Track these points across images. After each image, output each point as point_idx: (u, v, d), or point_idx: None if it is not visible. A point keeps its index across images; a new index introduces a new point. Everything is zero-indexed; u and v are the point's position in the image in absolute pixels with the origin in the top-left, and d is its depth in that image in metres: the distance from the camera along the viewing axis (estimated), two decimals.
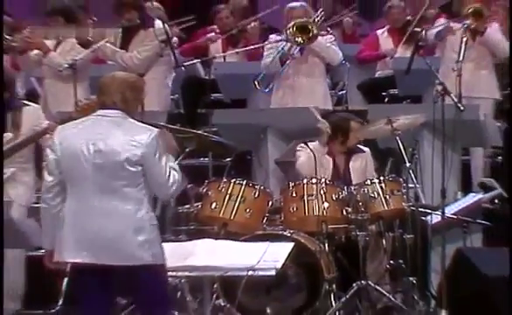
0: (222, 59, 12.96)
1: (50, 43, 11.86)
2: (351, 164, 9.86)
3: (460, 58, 10.53)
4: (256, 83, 11.46)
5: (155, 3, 12.55)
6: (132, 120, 7.24)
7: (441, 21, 11.84)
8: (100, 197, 7.15)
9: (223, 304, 8.57)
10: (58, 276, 9.08)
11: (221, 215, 9.12)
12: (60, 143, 7.22)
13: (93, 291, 7.30)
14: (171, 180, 7.27)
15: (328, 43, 11.63)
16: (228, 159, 11.22)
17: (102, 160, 7.10)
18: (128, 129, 7.18)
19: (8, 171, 9.56)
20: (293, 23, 11.45)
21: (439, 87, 9.38)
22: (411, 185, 9.45)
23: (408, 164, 9.55)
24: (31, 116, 9.73)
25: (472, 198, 9.96)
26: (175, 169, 7.29)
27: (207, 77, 12.55)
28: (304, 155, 9.81)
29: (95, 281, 7.25)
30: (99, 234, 7.12)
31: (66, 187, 7.26)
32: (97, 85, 7.45)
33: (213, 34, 13.33)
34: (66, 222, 7.21)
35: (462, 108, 9.71)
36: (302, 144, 9.90)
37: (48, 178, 7.27)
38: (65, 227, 7.20)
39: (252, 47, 12.72)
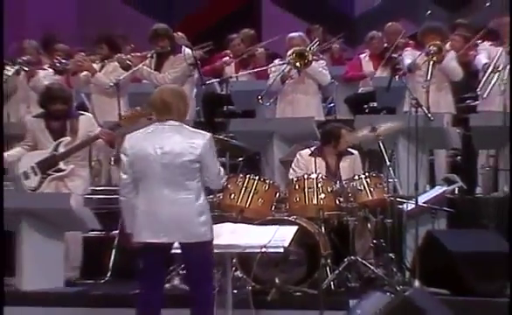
0: (235, 79, 12.92)
1: (96, 66, 11.85)
2: (341, 164, 9.83)
3: (428, 77, 10.59)
4: (259, 98, 11.49)
5: (179, 33, 12.66)
6: (186, 126, 7.45)
7: (409, 49, 11.80)
8: (167, 189, 7.31)
9: (240, 275, 8.56)
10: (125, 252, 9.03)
11: (238, 204, 9.12)
12: (131, 148, 7.38)
13: (158, 264, 7.52)
14: (221, 174, 7.54)
15: (320, 67, 11.74)
16: (240, 159, 11.20)
17: (168, 160, 7.28)
18: (186, 134, 7.37)
19: (68, 168, 9.63)
20: (292, 50, 11.58)
21: (413, 102, 9.43)
22: (390, 180, 9.49)
23: (388, 163, 9.55)
24: (86, 124, 9.80)
25: (438, 190, 10.02)
26: (221, 165, 7.55)
27: (223, 92, 12.65)
28: (301, 159, 9.89)
29: (160, 256, 7.46)
30: (169, 218, 7.30)
31: (138, 183, 7.38)
32: (153, 99, 7.52)
33: (228, 58, 13.36)
34: (141, 210, 7.37)
35: (432, 117, 9.89)
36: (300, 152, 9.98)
37: (124, 176, 7.43)
38: (141, 214, 7.37)
39: (259, 69, 12.80)
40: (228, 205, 8.89)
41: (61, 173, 9.62)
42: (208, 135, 7.49)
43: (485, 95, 10.82)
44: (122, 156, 7.47)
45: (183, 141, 7.35)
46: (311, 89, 11.76)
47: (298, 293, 8.73)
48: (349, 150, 9.96)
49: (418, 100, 9.61)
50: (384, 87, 11.78)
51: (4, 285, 8.99)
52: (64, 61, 12.18)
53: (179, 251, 7.50)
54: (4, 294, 8.47)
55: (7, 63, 12.72)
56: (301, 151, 10.03)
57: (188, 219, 7.32)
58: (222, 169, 7.60)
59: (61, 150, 9.64)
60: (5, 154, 9.66)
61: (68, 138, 9.67)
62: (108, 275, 9.54)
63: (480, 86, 10.92)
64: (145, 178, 7.37)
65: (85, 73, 11.86)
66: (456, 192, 10.43)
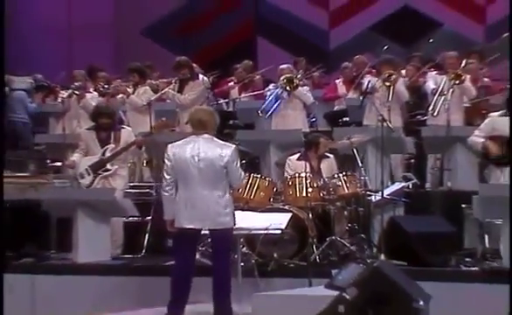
0: (239, 99, 12.98)
1: (130, 90, 11.83)
2: (322, 165, 9.81)
3: (390, 98, 10.64)
4: (259, 113, 11.60)
5: (194, 65, 12.64)
6: (216, 139, 7.55)
7: (369, 76, 11.71)
8: (201, 187, 7.43)
9: (247, 251, 8.58)
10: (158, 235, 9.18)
11: (244, 196, 9.10)
12: (173, 155, 7.49)
13: (191, 244, 7.63)
14: (242, 176, 7.68)
15: (304, 91, 11.80)
16: (244, 161, 11.20)
17: (202, 165, 7.40)
18: (216, 145, 7.50)
19: (113, 168, 9.65)
20: (284, 77, 11.65)
21: (379, 117, 9.49)
22: (361, 178, 9.52)
23: (360, 164, 9.65)
24: (126, 134, 9.84)
25: (398, 185, 10.04)
26: (241, 168, 7.64)
27: (230, 110, 12.70)
28: (290, 164, 9.86)
29: (192, 242, 7.60)
30: (202, 210, 7.41)
31: (178, 182, 7.48)
32: (192, 117, 7.67)
33: (232, 83, 13.37)
34: (181, 203, 7.48)
35: (393, 130, 9.87)
36: (290, 158, 9.96)
37: (167, 176, 7.53)
38: (181, 207, 7.48)
39: (257, 92, 12.83)
40: (237, 197, 8.82)
41: (108, 173, 9.64)
42: (233, 146, 7.62)
43: (435, 114, 10.81)
44: (166, 161, 7.56)
45: (214, 151, 7.46)
46: (298, 107, 11.77)
47: (291, 265, 8.74)
48: (327, 154, 9.93)
49: (384, 116, 9.61)
50: (354, 106, 11.77)
51: (64, 259, 9.33)
52: (105, 86, 12.21)
53: (207, 232, 7.62)
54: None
55: (62, 88, 12.89)
56: (291, 157, 10.00)
57: (216, 211, 7.44)
58: (242, 172, 7.72)
59: (107, 154, 9.66)
60: (72, 159, 9.80)
61: (112, 145, 9.69)
62: (143, 251, 9.50)
63: (431, 106, 10.90)
64: (184, 178, 7.48)
65: (121, 95, 11.87)
66: (411, 187, 10.46)
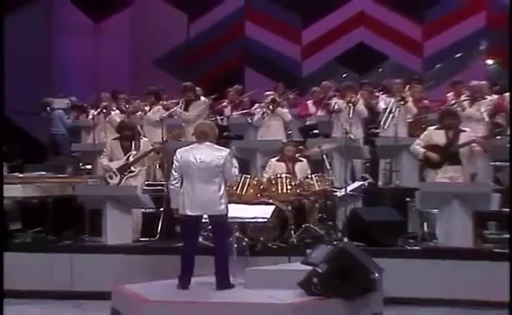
0: (231, 116, 12.86)
1: (147, 108, 11.76)
2: (296, 167, 9.76)
3: (351, 115, 10.52)
4: (249, 122, 11.63)
5: (197, 88, 12.59)
6: (215, 145, 7.48)
7: (335, 98, 11.61)
8: (201, 183, 7.36)
9: (240, 235, 8.55)
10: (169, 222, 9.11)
11: (237, 192, 9.02)
12: (181, 157, 7.43)
13: (194, 228, 7.54)
14: (236, 173, 7.57)
15: (284, 110, 11.77)
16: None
17: (203, 166, 7.33)
18: (214, 149, 7.43)
19: (135, 170, 9.61)
20: (269, 98, 11.68)
21: (344, 130, 9.61)
22: (329, 178, 9.50)
23: (328, 167, 9.67)
24: (144, 144, 9.80)
25: (357, 183, 10.04)
26: (236, 166, 7.52)
27: (224, 124, 12.56)
28: (271, 165, 9.83)
29: (194, 226, 7.51)
30: (202, 200, 7.33)
31: (183, 179, 7.40)
32: (196, 129, 7.62)
33: (225, 103, 13.24)
34: (185, 195, 7.39)
35: (354, 140, 9.94)
36: (271, 160, 9.89)
37: (174, 173, 7.45)
38: (185, 198, 7.39)
39: (245, 111, 12.69)
40: (231, 193, 8.78)
41: (132, 174, 9.61)
42: (228, 150, 7.55)
43: (385, 127, 10.89)
44: (174, 161, 7.49)
45: (212, 154, 7.42)
46: (278, 122, 11.72)
47: (274, 246, 8.74)
48: (300, 158, 9.89)
49: (347, 129, 9.70)
50: (322, 121, 11.77)
51: (95, 241, 9.20)
52: (126, 106, 12.17)
53: (207, 220, 7.55)
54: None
55: (91, 107, 12.75)
56: (272, 160, 9.97)
57: (213, 201, 7.38)
58: (237, 171, 7.59)
59: (131, 159, 9.63)
60: (105, 162, 9.71)
61: (134, 152, 9.66)
62: (157, 236, 9.43)
63: (382, 122, 10.98)
64: (188, 175, 7.42)
65: (139, 113, 11.79)
66: (367, 185, 10.43)
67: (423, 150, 9.19)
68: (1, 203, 7.76)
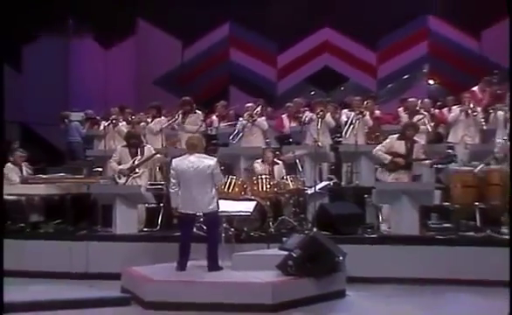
0: (218, 127, 12.60)
1: (149, 120, 11.62)
2: (274, 169, 9.71)
3: (320, 126, 10.56)
4: (231, 140, 11.38)
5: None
6: (204, 155, 7.41)
7: (306, 112, 11.53)
8: (196, 186, 7.31)
9: (227, 226, 8.49)
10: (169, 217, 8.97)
11: (225, 191, 8.88)
12: (176, 166, 7.38)
13: (189, 225, 7.48)
14: (222, 178, 7.57)
15: (262, 121, 11.56)
16: (222, 167, 10.93)
17: (196, 172, 7.26)
18: (204, 158, 7.37)
19: (140, 172, 9.49)
20: (249, 111, 11.49)
21: (313, 139, 9.67)
22: (301, 178, 9.50)
23: (300, 170, 9.70)
24: (148, 150, 9.68)
25: (324, 183, 9.98)
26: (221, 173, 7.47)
27: (213, 133, 12.33)
28: (257, 166, 9.79)
29: (191, 221, 7.45)
30: (196, 201, 7.28)
31: (180, 183, 7.34)
32: (187, 142, 7.55)
33: (214, 116, 12.94)
34: (182, 197, 7.35)
35: (322, 147, 10.02)
36: (256, 161, 9.87)
37: (172, 180, 7.40)
38: (182, 198, 7.35)
39: (230, 123, 12.47)
40: (220, 192, 8.41)
41: (137, 174, 9.53)
42: (215, 159, 7.50)
43: (347, 136, 10.85)
44: (171, 170, 7.46)
45: (202, 162, 7.37)
46: (258, 132, 11.54)
47: (256, 235, 8.66)
48: (277, 161, 9.84)
49: (317, 138, 9.73)
50: (295, 132, 11.66)
51: (106, 231, 9.06)
52: (132, 118, 12.03)
53: (201, 215, 7.51)
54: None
55: (102, 119, 12.60)
56: (258, 161, 9.87)
57: (207, 201, 7.35)
58: (222, 175, 7.59)
59: (136, 162, 9.54)
60: (114, 165, 9.59)
61: (139, 157, 9.58)
62: (158, 227, 9.35)
63: (344, 132, 10.91)
64: (184, 180, 7.38)
65: (143, 123, 11.65)
66: (332, 184, 10.42)
67: (388, 156, 9.10)
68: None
